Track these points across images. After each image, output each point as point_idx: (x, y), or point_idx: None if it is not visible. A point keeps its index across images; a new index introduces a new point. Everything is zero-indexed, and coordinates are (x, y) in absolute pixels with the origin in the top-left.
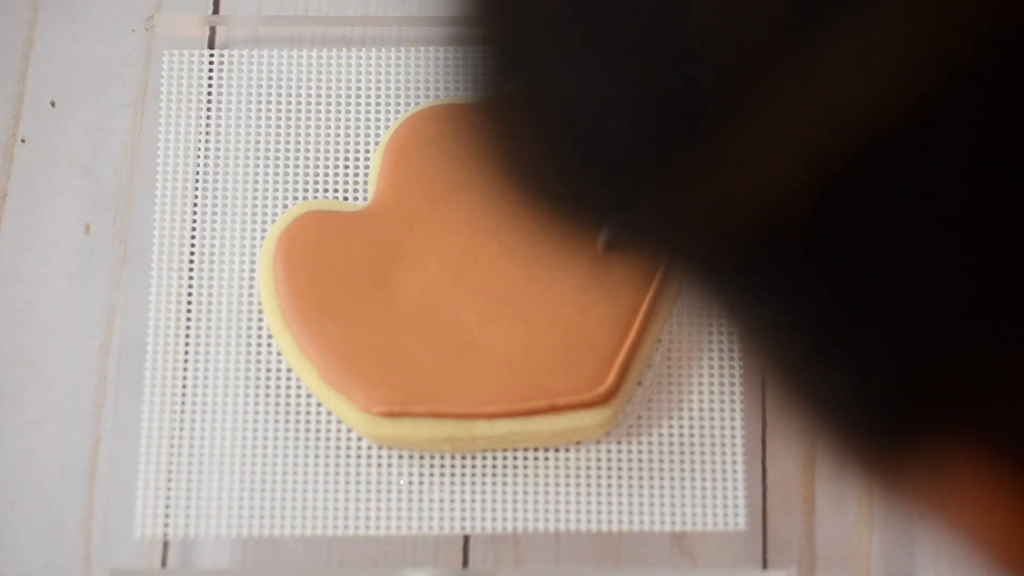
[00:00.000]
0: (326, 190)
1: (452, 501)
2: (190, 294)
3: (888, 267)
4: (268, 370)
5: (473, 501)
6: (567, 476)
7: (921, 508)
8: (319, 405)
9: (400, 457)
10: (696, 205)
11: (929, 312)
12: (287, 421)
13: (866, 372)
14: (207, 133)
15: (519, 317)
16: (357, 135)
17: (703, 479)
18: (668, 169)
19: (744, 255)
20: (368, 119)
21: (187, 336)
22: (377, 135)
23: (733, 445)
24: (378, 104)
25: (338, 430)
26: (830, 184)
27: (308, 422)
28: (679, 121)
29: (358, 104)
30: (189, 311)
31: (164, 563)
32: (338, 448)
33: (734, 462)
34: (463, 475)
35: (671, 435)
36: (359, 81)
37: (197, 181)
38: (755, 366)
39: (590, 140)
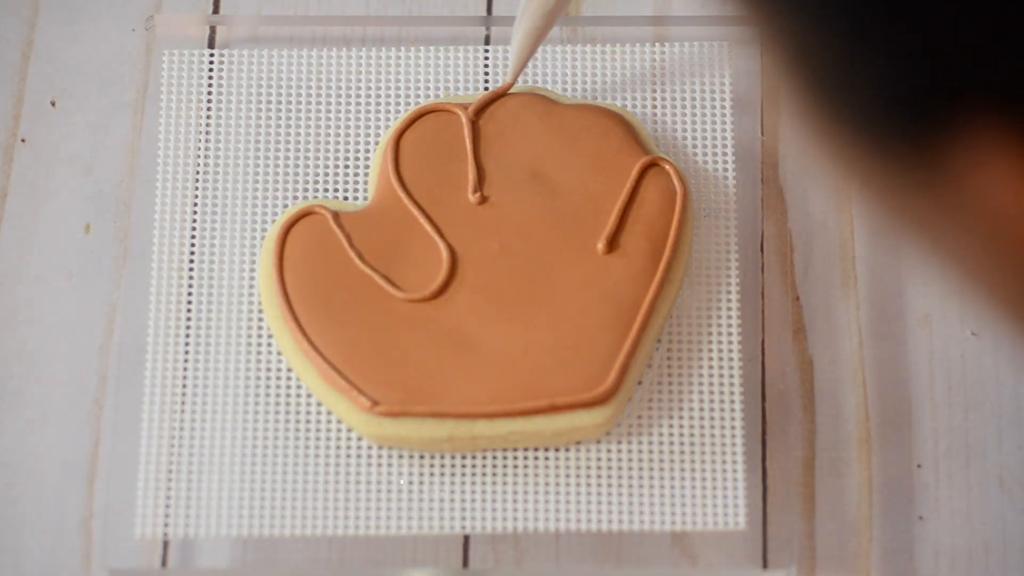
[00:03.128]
0: (326, 190)
1: (452, 501)
2: (190, 294)
3: None
4: (268, 370)
5: (473, 501)
6: (567, 476)
7: (953, 220)
8: (319, 405)
9: (400, 457)
10: None
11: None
12: (287, 421)
13: (903, 64)
14: (207, 133)
15: (519, 317)
16: (357, 135)
17: (703, 479)
18: None
19: None
20: (368, 119)
21: (187, 336)
22: (377, 135)
23: (733, 445)
24: (378, 104)
25: (338, 430)
26: None
27: (308, 422)
28: None
29: (358, 104)
30: (189, 311)
31: (164, 563)
32: (338, 448)
33: (734, 462)
34: (463, 475)
35: (671, 435)
36: (359, 81)
37: (197, 181)
38: (781, 72)
39: None
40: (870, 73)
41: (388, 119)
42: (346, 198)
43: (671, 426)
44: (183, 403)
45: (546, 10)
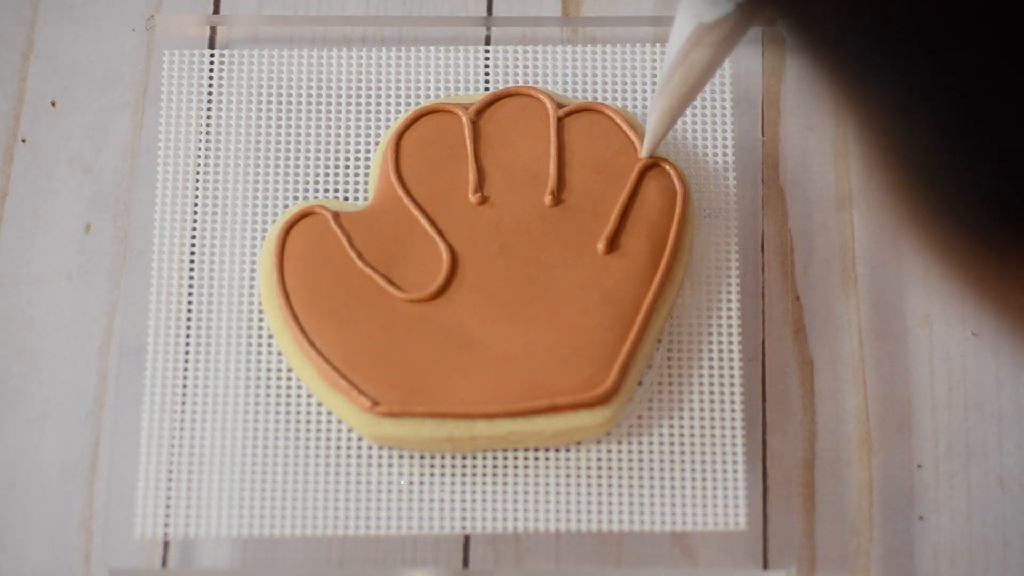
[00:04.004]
0: (326, 190)
1: (452, 501)
2: (190, 294)
3: None
4: (268, 370)
5: (474, 501)
6: (567, 476)
7: (1013, 313)
8: (319, 405)
9: (401, 457)
10: None
11: None
12: (287, 421)
13: (995, 161)
14: (207, 133)
15: (519, 317)
16: (357, 135)
17: (703, 479)
18: None
19: (891, 33)
20: (368, 119)
21: (187, 336)
22: (377, 135)
23: (733, 445)
24: (377, 104)
25: (339, 430)
26: None
27: (308, 422)
28: None
29: (358, 104)
30: (189, 311)
31: (164, 563)
32: (338, 448)
33: (734, 462)
34: (463, 475)
35: (671, 435)
36: (359, 81)
37: (197, 181)
38: (869, 158)
39: None
40: (971, 169)
41: (388, 119)
42: (346, 198)
43: (671, 426)
44: (183, 403)
45: (683, 91)
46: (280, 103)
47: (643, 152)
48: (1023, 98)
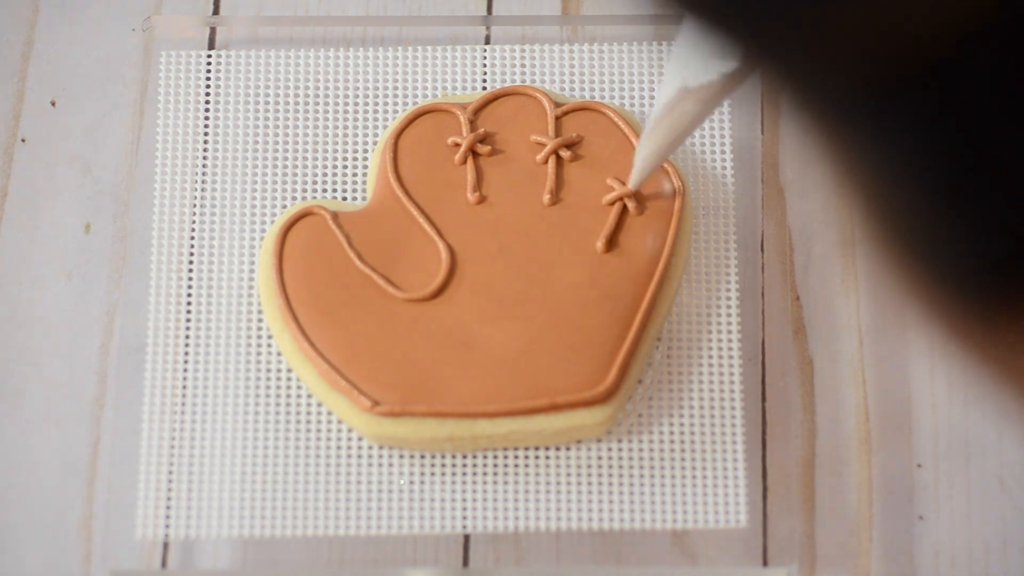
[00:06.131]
0: (325, 190)
1: (453, 500)
2: (190, 294)
3: None
4: (268, 370)
5: (474, 500)
6: (568, 475)
7: (1013, 379)
8: (319, 405)
9: (401, 457)
10: (842, 28)
11: None
12: (287, 421)
13: (986, 228)
14: (206, 133)
15: (519, 316)
16: (356, 135)
17: (704, 477)
18: None
19: (879, 93)
20: (367, 119)
21: (187, 336)
22: (376, 135)
23: (734, 444)
24: (377, 104)
25: (339, 430)
26: (981, 29)
27: (308, 422)
28: None
29: (356, 104)
30: (189, 311)
31: (164, 564)
32: (339, 448)
33: (735, 460)
34: (464, 474)
35: (672, 433)
36: (359, 81)
37: (197, 181)
38: (856, 213)
39: None
40: (961, 233)
41: (387, 119)
42: (345, 198)
43: (671, 425)
44: (183, 403)
45: (672, 138)
46: (279, 103)
47: (631, 185)
48: (1004, 157)
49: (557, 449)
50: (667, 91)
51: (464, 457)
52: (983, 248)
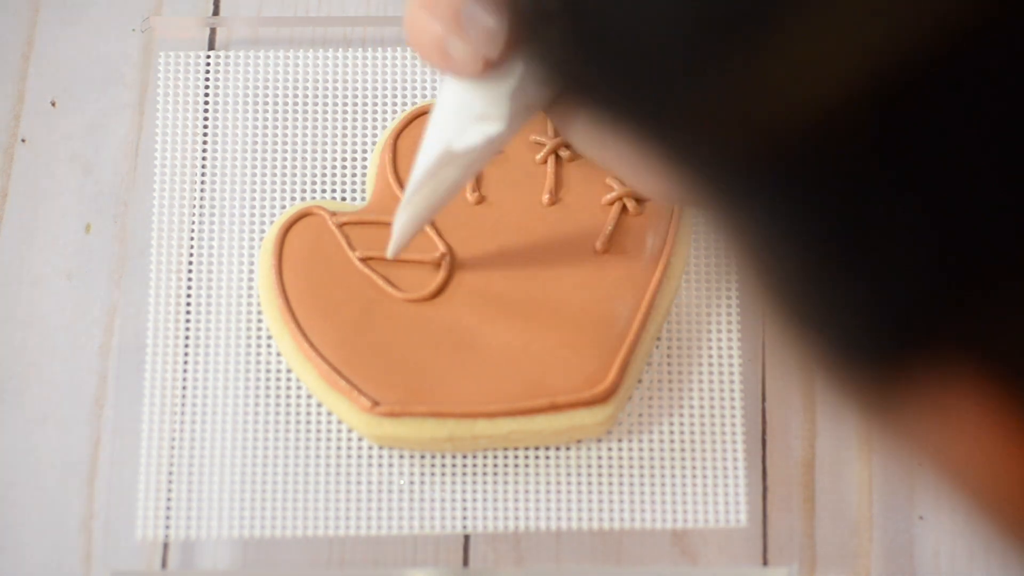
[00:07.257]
0: (325, 190)
1: (453, 500)
2: (190, 294)
3: (911, 193)
4: (268, 370)
5: (474, 500)
6: (568, 475)
7: (920, 450)
8: (319, 405)
9: (401, 457)
10: (722, 110)
11: (948, 242)
12: (287, 421)
13: (876, 298)
14: (206, 133)
15: (518, 316)
16: (356, 135)
17: (704, 476)
18: (699, 74)
19: (761, 168)
20: (367, 119)
21: (187, 336)
22: (376, 135)
23: (734, 443)
24: (376, 104)
25: (339, 430)
26: (859, 104)
27: (308, 422)
28: (718, 26)
29: (355, 104)
30: (189, 311)
31: (164, 564)
32: (338, 448)
33: (735, 459)
34: (464, 474)
35: (672, 433)
36: (359, 81)
37: (196, 182)
38: (755, 291)
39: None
40: (849, 303)
41: (387, 119)
42: (345, 198)
43: (671, 424)
44: (183, 403)
45: (431, 204)
46: (278, 104)
47: (388, 255)
48: (880, 225)
49: (557, 449)
50: (430, 155)
51: (464, 457)
52: (871, 318)
